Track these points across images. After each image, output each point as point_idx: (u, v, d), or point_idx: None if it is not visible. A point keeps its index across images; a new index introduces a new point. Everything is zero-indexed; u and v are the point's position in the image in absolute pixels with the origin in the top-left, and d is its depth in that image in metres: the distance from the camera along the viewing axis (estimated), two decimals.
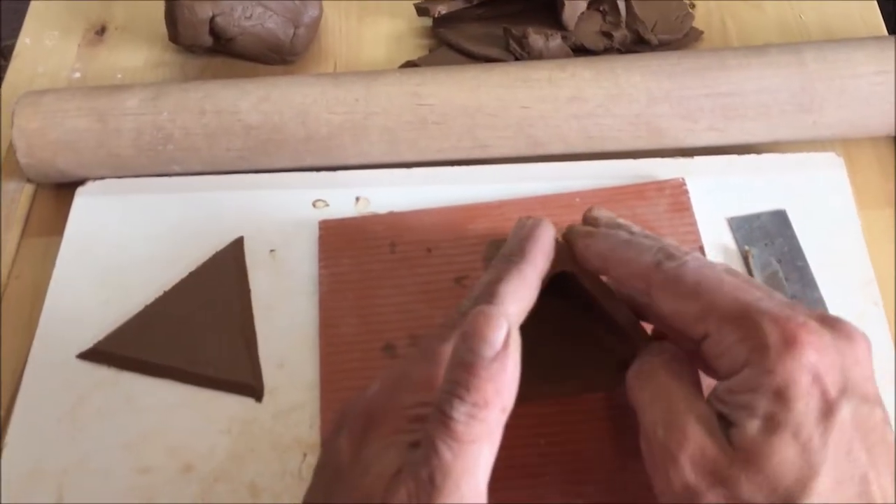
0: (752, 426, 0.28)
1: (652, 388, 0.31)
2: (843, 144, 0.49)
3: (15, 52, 0.58)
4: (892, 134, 0.48)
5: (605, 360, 0.38)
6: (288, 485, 0.39)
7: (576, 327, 0.38)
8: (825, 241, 0.45)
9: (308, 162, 0.48)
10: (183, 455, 0.40)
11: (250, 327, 0.43)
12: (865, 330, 0.40)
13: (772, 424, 0.28)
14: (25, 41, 0.58)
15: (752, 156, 0.48)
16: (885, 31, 0.55)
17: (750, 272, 0.44)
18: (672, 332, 0.33)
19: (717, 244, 0.45)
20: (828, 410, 0.28)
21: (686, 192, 0.45)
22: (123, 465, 0.40)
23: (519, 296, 0.32)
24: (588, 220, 0.40)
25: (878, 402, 0.29)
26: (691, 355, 0.33)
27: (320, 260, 0.44)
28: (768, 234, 0.45)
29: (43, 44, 0.58)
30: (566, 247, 0.35)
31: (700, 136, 0.47)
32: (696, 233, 0.44)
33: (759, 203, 0.46)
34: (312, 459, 0.39)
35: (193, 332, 0.43)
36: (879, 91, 0.46)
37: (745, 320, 0.29)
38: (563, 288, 0.35)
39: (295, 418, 0.40)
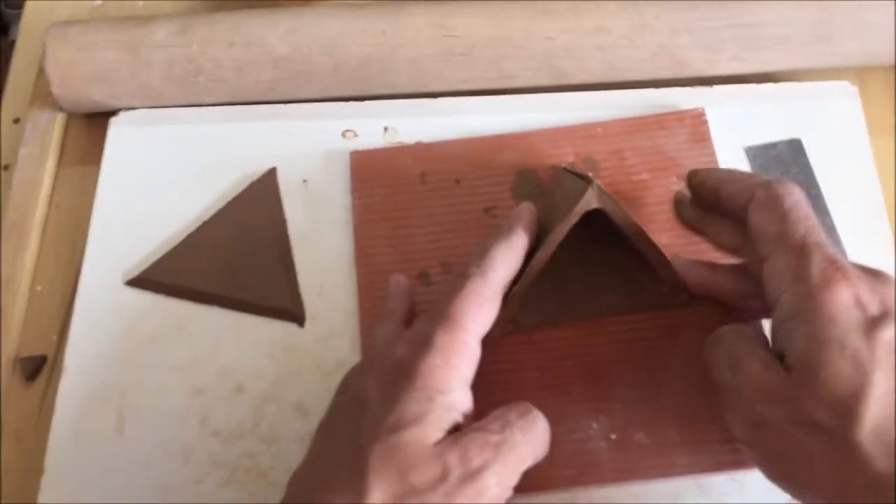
0: (800, 347, 0.31)
1: (720, 347, 0.35)
2: (857, 73, 0.50)
3: None
4: None
5: (629, 287, 0.41)
6: None
7: (605, 259, 0.40)
8: (838, 168, 0.47)
9: (336, 92, 0.49)
10: (233, 377, 0.42)
11: (288, 256, 0.45)
12: (875, 257, 0.43)
13: (817, 342, 0.30)
14: None
15: (770, 84, 0.49)
16: None
17: None
18: (746, 255, 0.38)
19: None
20: (871, 326, 0.30)
21: (705, 122, 0.47)
22: (178, 387, 0.42)
23: (506, 261, 0.36)
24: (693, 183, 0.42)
25: None
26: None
27: (353, 191, 0.46)
28: (784, 163, 0.47)
29: None
30: (602, 189, 0.37)
31: (720, 66, 0.48)
32: (714, 163, 0.46)
33: (776, 132, 0.48)
34: None
35: (235, 260, 0.45)
36: (893, 22, 0.47)
37: (801, 252, 0.33)
38: (597, 224, 0.37)
39: (335, 342, 0.43)
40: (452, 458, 0.31)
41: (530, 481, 0.38)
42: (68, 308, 0.46)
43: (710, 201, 0.40)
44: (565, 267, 0.40)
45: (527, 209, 0.39)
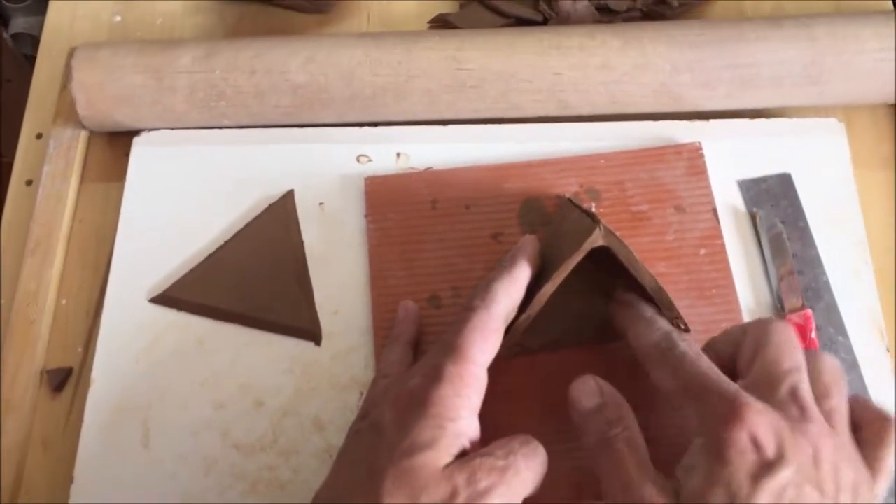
0: (694, 484, 0.33)
1: (610, 460, 0.36)
2: (844, 110, 0.53)
3: None
4: (891, 102, 0.52)
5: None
6: (348, 419, 0.43)
7: (607, 288, 0.43)
8: (824, 202, 0.49)
9: (352, 118, 0.51)
10: (253, 392, 0.45)
11: (305, 276, 0.47)
12: (855, 287, 0.46)
13: (708, 482, 0.33)
14: None
15: (762, 120, 0.52)
16: None
17: (757, 233, 0.48)
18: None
19: (728, 205, 0.49)
20: (762, 469, 0.32)
21: (702, 155, 0.50)
22: (200, 401, 0.45)
23: (509, 294, 0.39)
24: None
25: (826, 491, 0.33)
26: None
27: (367, 214, 0.48)
28: (774, 196, 0.49)
29: None
30: (607, 228, 0.39)
31: (717, 102, 0.51)
32: (709, 195, 0.48)
33: (767, 166, 0.50)
34: None
35: (253, 280, 0.47)
36: (882, 66, 0.50)
37: (699, 395, 0.35)
38: (601, 256, 0.40)
39: (351, 360, 0.45)
40: (461, 480, 0.33)
41: (529, 499, 0.41)
42: (93, 321, 0.48)
43: None
44: (569, 294, 0.43)
45: (530, 243, 0.42)
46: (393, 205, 0.48)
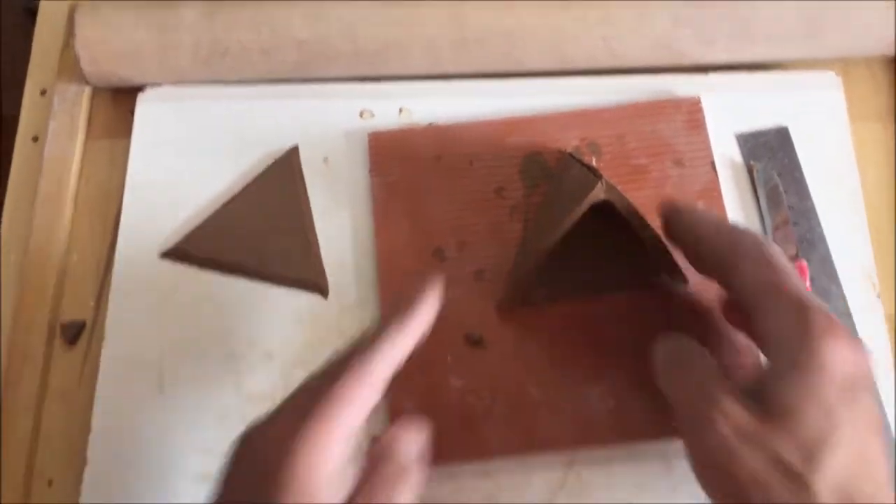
0: (788, 392, 0.33)
1: (680, 371, 0.37)
2: (842, 62, 0.54)
3: None
4: (888, 54, 0.53)
5: (631, 267, 0.45)
6: None
7: (609, 240, 0.44)
8: (820, 155, 0.50)
9: (355, 73, 0.52)
10: (264, 344, 0.46)
11: (311, 230, 0.48)
12: (849, 238, 0.47)
13: (805, 390, 0.33)
14: None
15: (761, 73, 0.52)
16: None
17: (754, 186, 0.49)
18: (736, 300, 0.39)
19: (726, 158, 0.50)
20: (852, 390, 0.33)
21: (701, 109, 0.50)
22: (213, 352, 0.46)
23: (389, 355, 0.36)
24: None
25: (881, 403, 0.36)
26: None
27: (371, 170, 0.49)
28: (771, 150, 0.50)
29: None
30: (609, 182, 0.40)
31: (716, 55, 0.51)
32: (708, 148, 0.49)
33: (765, 119, 0.51)
34: None
35: (261, 234, 0.48)
36: (879, 18, 0.50)
37: (801, 306, 0.35)
38: (603, 210, 0.41)
39: (358, 312, 0.47)
40: None
41: (534, 443, 0.42)
42: (104, 275, 0.49)
43: (686, 241, 0.41)
44: (573, 247, 0.44)
45: (430, 292, 0.38)
46: (397, 160, 0.49)
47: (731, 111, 0.51)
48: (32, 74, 0.55)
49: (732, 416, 0.34)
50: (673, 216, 0.42)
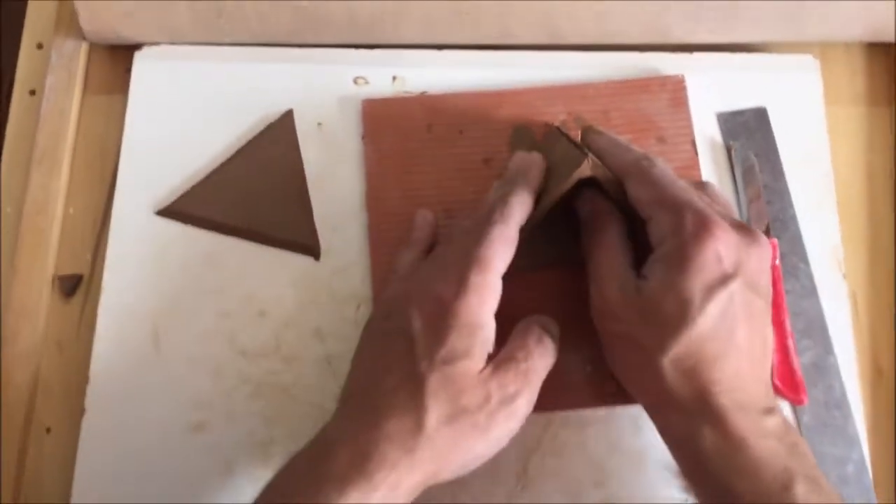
0: (656, 281, 0.39)
1: (593, 259, 0.43)
2: (821, 46, 0.56)
3: None
4: (865, 40, 0.55)
5: None
6: (347, 331, 0.47)
7: None
8: (796, 137, 0.52)
9: (350, 40, 0.53)
10: (257, 303, 0.48)
11: (305, 193, 0.50)
12: (820, 220, 0.49)
13: (668, 282, 0.38)
14: None
15: (743, 54, 0.54)
16: None
17: (731, 164, 0.51)
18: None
19: (706, 137, 0.52)
20: (714, 284, 0.37)
21: (684, 87, 0.52)
22: (207, 309, 0.48)
23: (523, 208, 0.42)
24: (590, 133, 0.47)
25: (762, 294, 0.39)
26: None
27: (364, 136, 0.51)
28: (749, 130, 0.52)
29: None
30: (594, 158, 0.42)
31: (701, 36, 0.53)
32: (690, 127, 0.51)
33: (745, 100, 0.53)
34: (365, 309, 0.48)
35: (256, 196, 0.49)
36: (858, 7, 0.52)
37: (676, 209, 0.39)
38: (588, 185, 0.43)
39: (349, 274, 0.49)
40: (493, 385, 0.38)
41: None
42: (100, 230, 0.50)
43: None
44: (559, 217, 0.46)
45: (537, 161, 0.45)
46: (390, 128, 0.51)
47: (712, 91, 0.53)
48: (29, 28, 0.55)
49: (608, 299, 0.41)
50: (585, 136, 0.46)
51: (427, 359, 0.38)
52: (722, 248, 0.38)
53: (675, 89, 0.52)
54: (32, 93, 0.54)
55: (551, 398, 0.45)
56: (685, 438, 0.38)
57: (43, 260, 0.49)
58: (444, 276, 0.40)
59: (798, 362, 0.46)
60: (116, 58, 0.54)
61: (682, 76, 0.52)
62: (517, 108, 0.51)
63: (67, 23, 0.54)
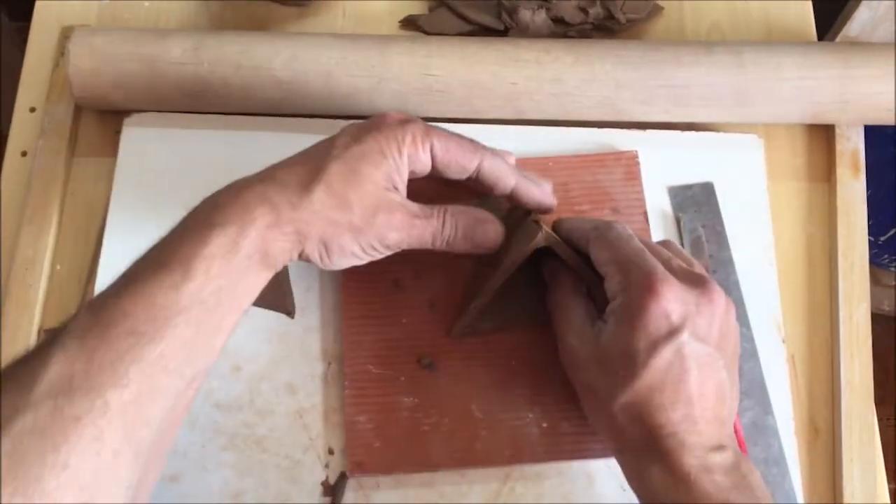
0: (609, 334, 0.42)
1: (558, 312, 0.47)
2: (765, 126, 0.60)
3: None
4: (806, 122, 0.60)
5: None
6: (317, 386, 0.50)
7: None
8: (740, 210, 0.57)
9: (328, 112, 0.56)
10: (233, 357, 0.51)
11: None
12: (759, 286, 0.53)
13: (617, 335, 0.42)
14: None
15: (692, 133, 0.58)
16: (812, 19, 0.65)
17: (680, 235, 0.55)
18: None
19: (658, 209, 0.56)
20: (658, 340, 0.41)
21: (638, 163, 0.56)
22: None
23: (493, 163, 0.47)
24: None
25: (714, 343, 0.42)
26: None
27: None
28: (697, 203, 0.56)
29: None
30: (549, 232, 0.46)
31: (654, 115, 0.57)
32: (642, 199, 0.55)
33: (694, 175, 0.57)
34: (336, 367, 0.51)
35: None
36: (800, 92, 0.57)
37: (624, 267, 0.43)
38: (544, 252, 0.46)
39: (322, 333, 0.52)
40: (386, 205, 0.43)
41: (474, 458, 0.48)
42: (86, 286, 0.53)
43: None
44: (516, 282, 0.49)
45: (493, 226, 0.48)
46: None
47: (664, 165, 0.57)
48: (23, 92, 0.59)
49: (572, 349, 0.45)
50: (556, 224, 0.49)
51: (338, 151, 0.42)
52: (667, 304, 0.41)
53: (629, 164, 0.56)
54: (24, 154, 0.57)
55: (509, 452, 0.48)
56: (638, 476, 0.42)
57: (30, 314, 0.52)
58: (393, 118, 0.44)
59: (739, 422, 0.50)
60: (106, 121, 0.57)
61: (636, 152, 0.56)
62: None
63: (60, 87, 0.57)
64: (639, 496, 0.42)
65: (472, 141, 0.46)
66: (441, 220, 0.45)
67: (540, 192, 0.48)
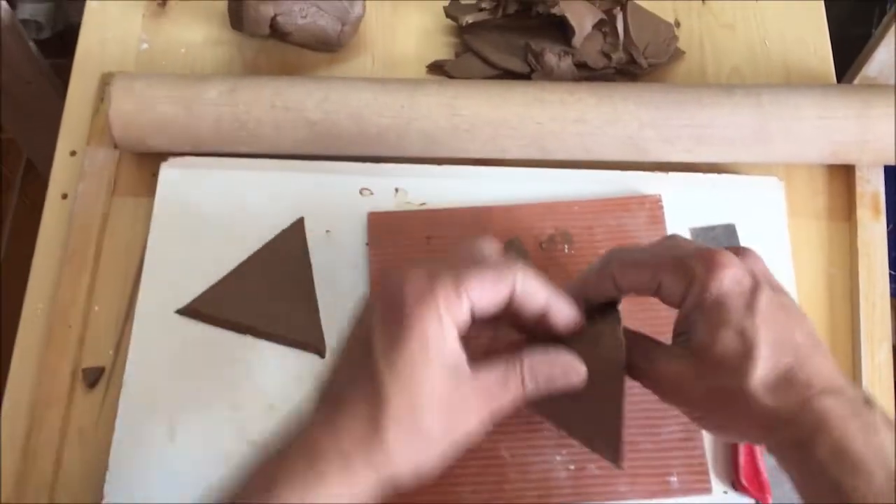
0: (700, 333, 0.40)
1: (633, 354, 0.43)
2: (786, 165, 0.61)
3: (85, 17, 0.65)
4: (825, 162, 0.61)
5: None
6: None
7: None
8: (761, 251, 0.56)
9: (357, 152, 0.58)
10: (265, 397, 0.52)
11: (313, 297, 0.54)
12: None
13: (713, 325, 0.40)
14: (93, 5, 0.65)
15: (714, 175, 0.60)
16: (831, 62, 0.67)
17: None
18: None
19: None
20: (750, 301, 0.40)
21: (661, 207, 0.57)
22: (221, 402, 0.52)
23: (530, 284, 0.41)
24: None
25: (783, 290, 0.42)
26: None
27: (369, 246, 0.55)
28: (720, 244, 0.57)
29: (109, 10, 0.65)
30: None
31: (676, 155, 0.58)
32: None
33: (715, 216, 0.58)
34: None
35: (267, 298, 0.54)
36: (819, 131, 0.58)
37: (679, 265, 0.41)
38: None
39: None
40: (455, 399, 0.39)
41: (502, 499, 0.49)
42: (123, 326, 0.54)
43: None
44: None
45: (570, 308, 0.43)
46: (392, 239, 0.55)
47: (687, 207, 0.58)
48: (63, 136, 0.60)
49: (675, 373, 0.41)
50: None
51: (388, 371, 0.38)
52: (734, 269, 0.40)
53: (652, 208, 0.57)
54: (64, 196, 0.58)
55: (537, 494, 0.49)
56: (798, 446, 0.39)
57: (69, 353, 0.53)
58: (415, 273, 0.39)
59: (764, 464, 0.50)
60: (143, 163, 0.59)
61: (659, 196, 0.58)
62: (509, 222, 0.56)
63: (100, 133, 0.59)
64: (795, 471, 0.40)
65: (499, 262, 0.41)
66: (520, 383, 0.40)
67: (569, 314, 0.43)
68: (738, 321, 0.39)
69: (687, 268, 0.41)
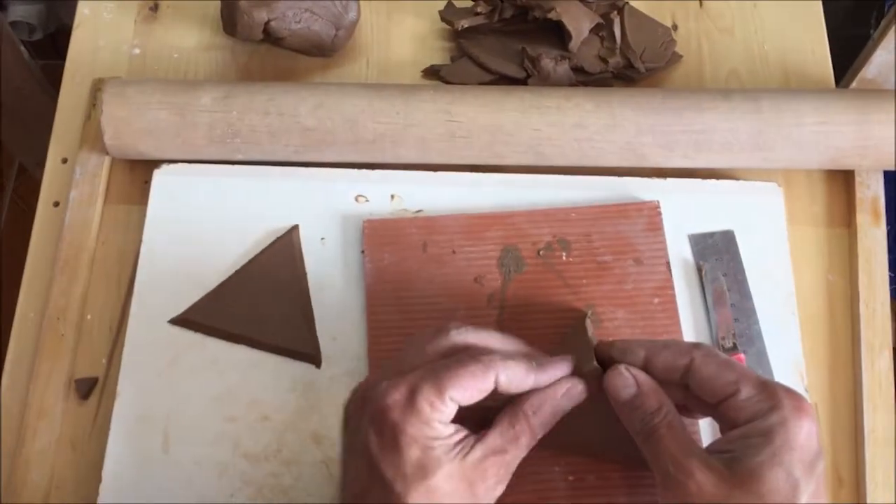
0: (757, 460, 0.39)
1: (655, 446, 0.42)
2: (785, 171, 0.61)
3: (76, 22, 0.64)
4: (824, 168, 0.60)
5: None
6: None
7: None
8: (761, 258, 0.57)
9: (352, 159, 0.57)
10: (260, 408, 0.51)
11: (308, 305, 0.54)
12: (782, 335, 0.53)
13: (775, 461, 0.39)
14: (84, 11, 0.64)
15: (713, 181, 0.59)
16: (829, 65, 0.66)
17: (702, 283, 0.56)
18: (702, 393, 0.43)
19: (679, 257, 0.56)
20: (813, 461, 0.40)
21: (660, 213, 0.57)
22: (214, 414, 0.51)
23: (513, 378, 0.42)
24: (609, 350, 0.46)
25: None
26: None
27: (365, 254, 0.55)
28: (718, 251, 0.57)
29: (101, 16, 0.64)
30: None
31: (674, 161, 0.58)
32: (664, 249, 0.56)
33: (714, 223, 0.58)
34: None
35: (261, 307, 0.53)
36: (817, 137, 0.57)
37: (767, 388, 0.41)
38: None
39: (347, 382, 0.52)
40: (476, 477, 0.40)
41: None
42: (116, 336, 0.54)
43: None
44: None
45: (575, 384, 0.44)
46: (388, 246, 0.55)
47: (685, 213, 0.57)
48: (55, 143, 0.60)
49: (702, 483, 0.40)
50: (604, 347, 0.46)
51: (400, 479, 0.39)
52: (815, 427, 0.40)
53: (651, 214, 0.57)
54: (56, 204, 0.58)
55: (536, 501, 0.48)
56: None
57: (61, 363, 0.53)
58: (396, 386, 0.40)
59: None
60: (136, 171, 0.58)
61: (658, 202, 0.57)
62: (506, 229, 0.55)
63: (92, 139, 0.58)
64: None
65: (478, 360, 0.41)
66: (529, 434, 0.43)
67: (558, 396, 0.44)
68: (796, 471, 0.39)
69: (775, 395, 0.41)
